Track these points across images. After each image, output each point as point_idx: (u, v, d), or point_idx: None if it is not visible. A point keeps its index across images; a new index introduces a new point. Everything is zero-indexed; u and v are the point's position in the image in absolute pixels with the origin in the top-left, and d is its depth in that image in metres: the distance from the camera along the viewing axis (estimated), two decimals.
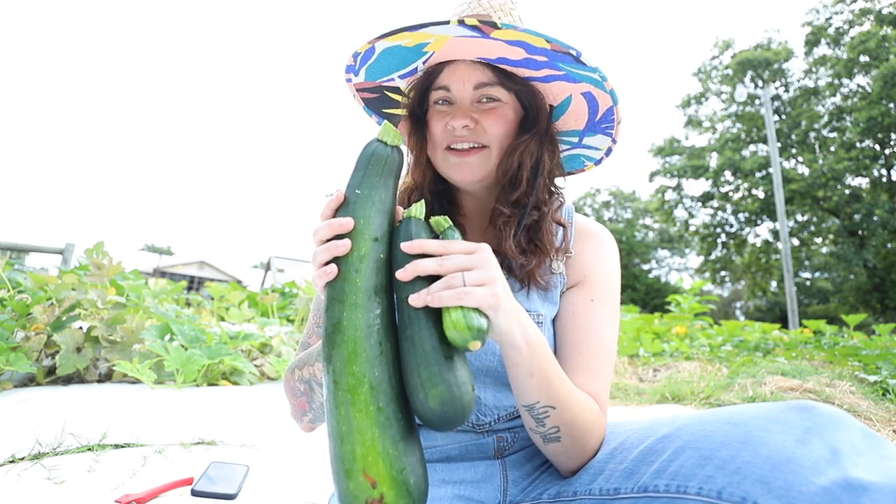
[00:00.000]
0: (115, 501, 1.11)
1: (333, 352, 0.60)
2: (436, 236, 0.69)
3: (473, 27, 0.72)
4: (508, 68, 0.82)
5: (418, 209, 0.69)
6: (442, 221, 0.69)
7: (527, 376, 0.67)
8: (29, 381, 2.37)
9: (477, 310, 0.59)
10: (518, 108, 0.85)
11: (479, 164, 0.83)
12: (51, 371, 2.45)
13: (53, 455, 1.40)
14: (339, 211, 0.65)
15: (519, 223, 0.83)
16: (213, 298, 5.67)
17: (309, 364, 0.78)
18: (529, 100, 0.85)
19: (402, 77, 0.90)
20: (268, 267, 11.49)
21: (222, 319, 4.60)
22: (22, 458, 1.35)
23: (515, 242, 0.83)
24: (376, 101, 0.98)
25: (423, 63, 0.86)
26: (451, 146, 0.83)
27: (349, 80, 0.92)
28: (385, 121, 0.70)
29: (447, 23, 0.72)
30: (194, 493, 1.19)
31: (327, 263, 0.62)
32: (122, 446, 1.53)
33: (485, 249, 0.63)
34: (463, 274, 0.60)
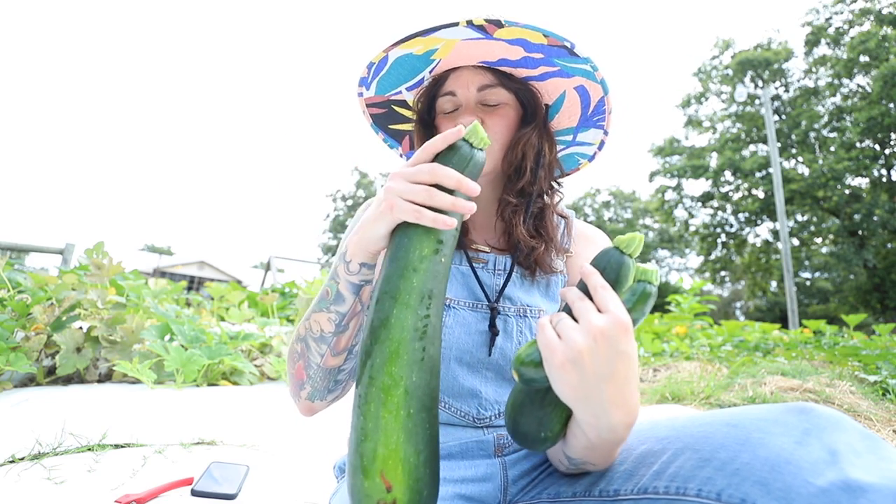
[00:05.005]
0: (115, 501, 1.11)
1: (375, 347, 0.59)
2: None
3: (479, 27, 0.78)
4: (508, 69, 0.88)
5: (636, 244, 0.59)
6: (651, 274, 0.58)
7: (585, 444, 0.63)
8: (29, 381, 2.37)
9: (539, 358, 0.57)
10: (518, 107, 0.91)
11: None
12: (51, 371, 2.45)
13: (53, 455, 1.40)
14: None
15: (526, 210, 0.88)
16: (213, 298, 5.68)
17: (307, 319, 0.76)
18: (528, 98, 0.91)
19: (409, 89, 0.95)
20: (268, 267, 11.49)
21: (222, 319, 4.59)
22: (22, 458, 1.35)
23: (525, 228, 0.87)
24: (384, 116, 1.03)
25: (430, 72, 0.91)
26: None
27: (360, 95, 0.97)
28: (475, 122, 0.66)
29: (456, 24, 0.77)
30: (194, 493, 1.20)
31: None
32: (122, 446, 1.53)
33: (630, 332, 0.54)
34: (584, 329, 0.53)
